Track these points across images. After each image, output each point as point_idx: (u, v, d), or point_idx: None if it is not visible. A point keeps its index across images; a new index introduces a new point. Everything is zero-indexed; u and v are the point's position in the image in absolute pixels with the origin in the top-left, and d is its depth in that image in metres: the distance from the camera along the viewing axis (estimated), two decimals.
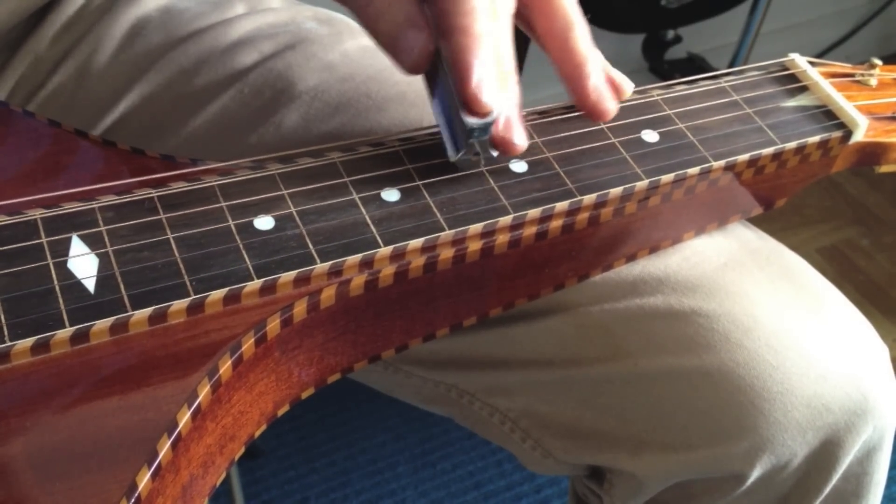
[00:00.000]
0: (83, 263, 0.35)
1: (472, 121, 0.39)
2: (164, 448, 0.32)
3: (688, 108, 0.47)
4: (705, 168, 0.44)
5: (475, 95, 0.38)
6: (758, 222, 0.52)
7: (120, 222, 0.37)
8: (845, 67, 0.53)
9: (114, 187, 0.38)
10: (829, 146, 0.48)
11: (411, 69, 0.40)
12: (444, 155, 0.41)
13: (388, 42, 0.40)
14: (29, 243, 0.36)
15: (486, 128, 0.39)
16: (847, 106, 0.48)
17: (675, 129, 0.46)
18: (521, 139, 0.41)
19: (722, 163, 0.44)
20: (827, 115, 0.48)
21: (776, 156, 0.46)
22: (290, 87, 0.52)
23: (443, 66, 0.40)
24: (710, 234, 0.49)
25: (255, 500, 1.03)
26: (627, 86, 0.45)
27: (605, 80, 0.44)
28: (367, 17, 0.40)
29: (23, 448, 0.31)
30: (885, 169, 0.52)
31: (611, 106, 0.44)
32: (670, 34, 1.37)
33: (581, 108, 0.44)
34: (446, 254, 0.39)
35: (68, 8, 0.55)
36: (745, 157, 0.45)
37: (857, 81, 0.52)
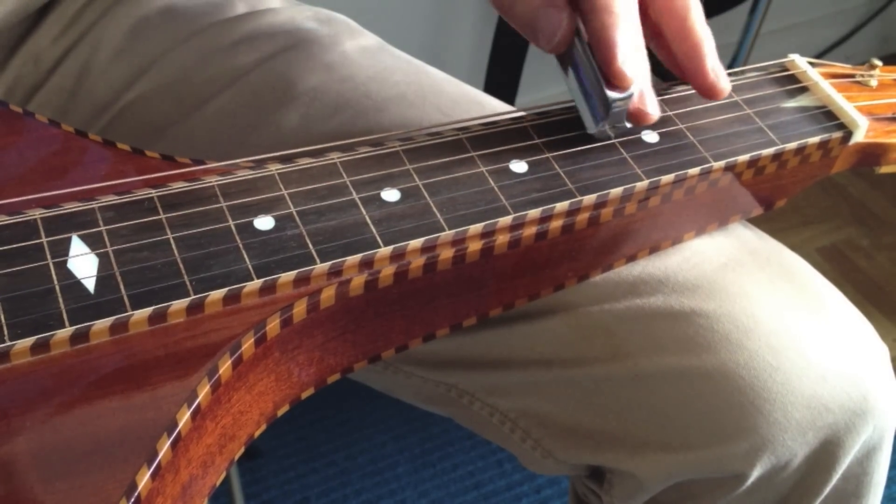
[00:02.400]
0: (83, 263, 0.35)
1: (613, 94, 0.41)
2: (164, 448, 0.32)
3: (688, 108, 0.47)
4: (705, 168, 0.44)
5: (621, 70, 0.40)
6: (758, 222, 0.52)
7: (120, 222, 0.37)
8: (845, 68, 0.53)
9: (114, 187, 0.38)
10: (830, 147, 0.48)
11: (554, 49, 0.42)
12: (443, 155, 0.42)
13: (526, 24, 0.41)
14: (29, 243, 0.36)
15: (626, 100, 0.42)
16: (847, 106, 0.48)
17: (676, 130, 0.46)
18: (654, 109, 0.43)
19: (722, 163, 0.44)
20: (827, 116, 0.48)
21: (776, 156, 0.46)
22: (290, 87, 0.52)
23: (579, 42, 0.42)
24: (711, 234, 0.49)
25: (255, 500, 1.03)
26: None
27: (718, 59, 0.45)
28: (503, 2, 0.41)
29: (23, 447, 0.31)
30: (885, 170, 0.52)
31: (727, 85, 0.45)
32: None
33: (698, 88, 0.45)
34: (446, 254, 0.39)
35: (68, 8, 0.55)
36: (745, 157, 0.45)
37: (858, 82, 0.52)
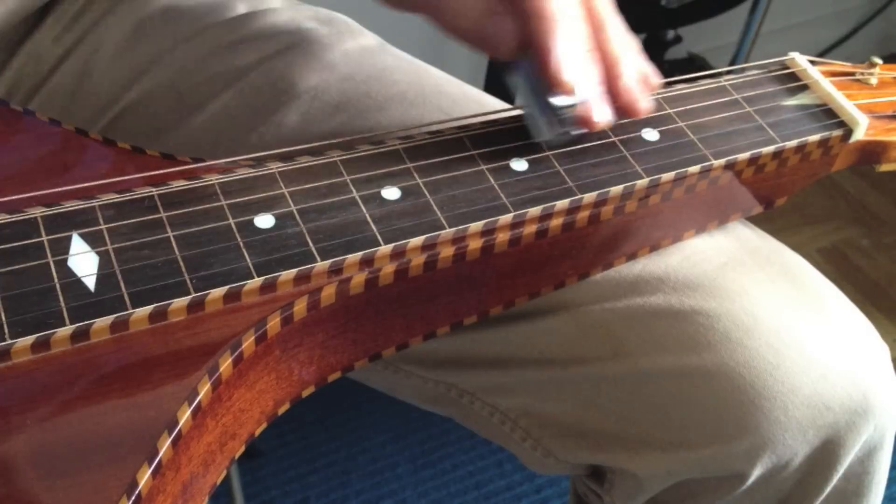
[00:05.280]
0: (83, 261, 0.35)
1: (557, 101, 0.40)
2: (165, 446, 0.32)
3: (688, 106, 0.47)
4: (706, 166, 0.44)
5: (557, 76, 0.39)
6: (758, 222, 0.52)
7: (120, 220, 0.37)
8: (845, 66, 0.53)
9: (114, 185, 0.38)
10: (830, 145, 0.48)
11: (506, 57, 0.41)
12: (444, 153, 0.41)
13: (475, 37, 0.40)
14: (29, 241, 0.36)
15: (571, 106, 0.40)
16: (847, 104, 0.48)
17: (676, 128, 0.45)
18: (601, 116, 0.42)
19: (722, 161, 0.44)
20: (827, 114, 0.48)
21: (776, 154, 0.46)
22: (291, 86, 0.52)
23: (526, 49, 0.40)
24: (711, 232, 0.49)
25: (255, 500, 1.03)
26: (654, 78, 0.45)
27: (638, 78, 0.43)
28: (444, 17, 0.41)
29: (24, 446, 0.31)
30: (885, 168, 0.52)
31: (647, 104, 0.43)
32: (670, 34, 1.37)
33: (615, 108, 0.43)
34: (446, 252, 0.39)
35: (69, 7, 0.55)
36: (745, 155, 0.45)
37: (858, 80, 0.52)
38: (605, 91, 0.42)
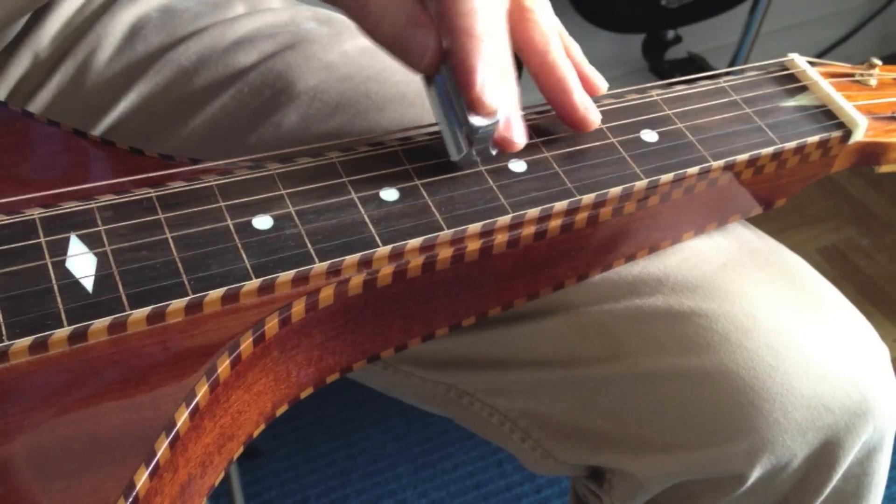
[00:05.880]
0: (81, 263, 0.35)
1: (476, 121, 0.39)
2: (163, 447, 0.32)
3: (687, 107, 0.47)
4: (704, 168, 0.44)
5: (480, 97, 0.38)
6: (758, 222, 0.52)
7: (118, 222, 0.37)
8: (845, 67, 0.53)
9: (112, 187, 0.38)
10: (829, 146, 0.48)
11: (424, 70, 0.40)
12: (443, 154, 0.41)
13: (393, 45, 0.40)
14: (27, 242, 0.36)
15: (489, 127, 0.39)
16: (847, 106, 0.48)
17: (675, 129, 0.45)
18: (520, 137, 0.41)
19: (721, 162, 0.44)
20: (826, 115, 0.48)
21: (776, 155, 0.46)
22: (290, 87, 0.52)
23: (443, 65, 0.40)
24: (710, 234, 0.49)
25: (255, 500, 1.03)
26: (601, 84, 0.44)
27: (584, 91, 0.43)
28: (367, 23, 0.40)
29: (21, 447, 0.31)
30: (884, 169, 0.51)
31: (597, 118, 0.43)
32: (670, 34, 1.37)
33: (568, 122, 0.43)
34: (445, 253, 0.39)
35: (68, 7, 0.55)
36: (744, 156, 0.45)
37: (857, 81, 0.52)
38: (562, 105, 0.42)
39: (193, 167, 0.40)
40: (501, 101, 0.39)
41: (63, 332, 0.33)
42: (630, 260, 0.47)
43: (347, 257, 0.37)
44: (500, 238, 0.40)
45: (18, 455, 0.31)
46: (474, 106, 0.38)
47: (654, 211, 0.44)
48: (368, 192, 0.40)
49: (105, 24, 0.55)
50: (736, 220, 0.50)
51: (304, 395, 0.40)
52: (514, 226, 0.40)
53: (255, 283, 0.36)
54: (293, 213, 0.39)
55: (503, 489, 1.07)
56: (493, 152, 0.41)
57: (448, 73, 0.40)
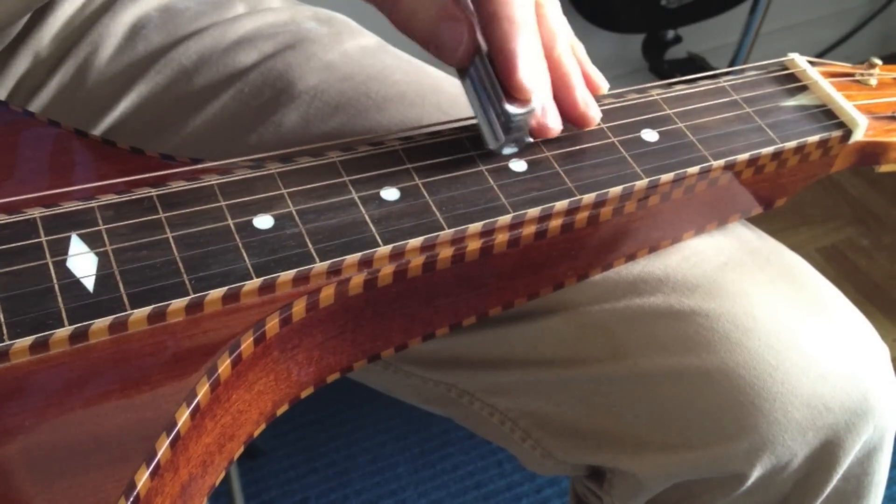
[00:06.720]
0: (82, 262, 0.35)
1: (514, 109, 0.39)
2: (163, 447, 0.32)
3: (687, 107, 0.47)
4: (705, 167, 0.44)
5: (521, 83, 0.38)
6: (758, 222, 0.52)
7: (119, 221, 0.37)
8: (845, 67, 0.53)
9: (113, 186, 0.38)
10: (829, 145, 0.48)
11: (458, 63, 0.40)
12: (443, 154, 0.41)
13: (427, 39, 0.40)
14: (28, 242, 0.36)
15: (526, 115, 0.40)
16: (847, 105, 0.48)
17: (675, 129, 0.45)
18: (556, 123, 0.42)
19: (721, 162, 0.44)
20: (826, 115, 0.48)
21: (776, 155, 0.46)
22: (290, 86, 0.52)
23: (478, 54, 0.40)
24: (710, 233, 0.49)
25: (255, 500, 1.03)
26: (603, 84, 0.45)
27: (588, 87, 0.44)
28: (399, 17, 0.40)
29: (21, 447, 0.31)
30: (884, 168, 0.51)
31: (597, 114, 0.44)
32: (670, 34, 1.37)
33: (569, 118, 0.44)
34: (445, 253, 0.39)
35: (68, 7, 0.55)
36: (744, 156, 0.45)
37: (857, 81, 0.52)
38: (563, 100, 0.43)
39: (194, 167, 0.40)
40: (538, 87, 0.39)
41: (64, 331, 0.33)
42: (630, 259, 0.47)
43: (348, 257, 0.37)
44: (501, 237, 0.40)
45: (18, 455, 0.31)
46: (515, 90, 0.39)
47: (654, 210, 0.44)
48: (369, 191, 0.40)
49: (105, 24, 0.55)
50: (736, 220, 0.50)
51: (304, 394, 0.40)
52: (515, 225, 0.40)
53: (255, 282, 0.36)
54: (294, 213, 0.39)
55: (503, 489, 1.07)
56: (529, 140, 0.42)
57: (482, 63, 0.40)
